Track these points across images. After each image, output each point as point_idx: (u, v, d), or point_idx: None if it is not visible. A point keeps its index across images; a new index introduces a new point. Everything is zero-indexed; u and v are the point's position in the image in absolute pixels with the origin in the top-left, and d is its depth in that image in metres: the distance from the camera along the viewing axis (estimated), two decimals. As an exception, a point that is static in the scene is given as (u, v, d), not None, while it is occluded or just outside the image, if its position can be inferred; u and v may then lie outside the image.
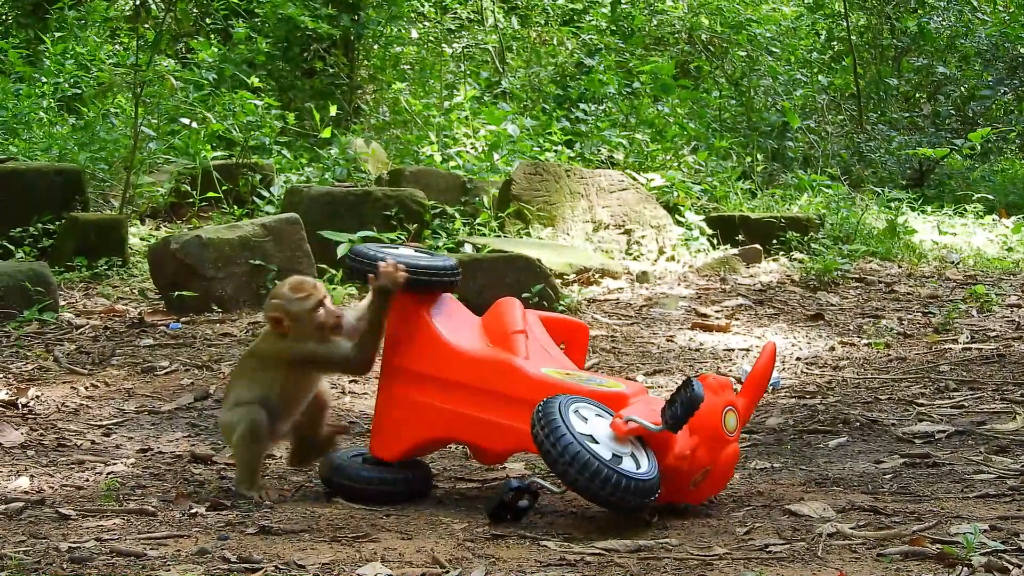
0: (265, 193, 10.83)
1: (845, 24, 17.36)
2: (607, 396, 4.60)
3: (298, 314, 4.80)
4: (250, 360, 4.98)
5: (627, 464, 4.33)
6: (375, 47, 15.91)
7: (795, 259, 10.52)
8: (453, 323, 4.89)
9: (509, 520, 4.48)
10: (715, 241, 10.96)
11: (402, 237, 9.30)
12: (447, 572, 3.81)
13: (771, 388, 5.03)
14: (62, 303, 8.10)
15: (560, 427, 4.30)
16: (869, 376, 7.22)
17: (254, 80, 13.26)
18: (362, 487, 4.83)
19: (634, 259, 10.45)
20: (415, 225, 9.67)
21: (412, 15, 16.95)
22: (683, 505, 4.66)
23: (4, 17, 17.05)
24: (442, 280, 4.89)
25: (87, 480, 5.06)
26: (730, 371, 7.29)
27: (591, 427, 4.39)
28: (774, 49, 17.35)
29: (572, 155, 12.75)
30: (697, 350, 7.93)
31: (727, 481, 4.79)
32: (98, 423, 6.00)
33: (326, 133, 12.70)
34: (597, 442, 4.34)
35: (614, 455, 4.33)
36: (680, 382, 4.40)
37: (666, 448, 4.48)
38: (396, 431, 4.86)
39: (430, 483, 5.00)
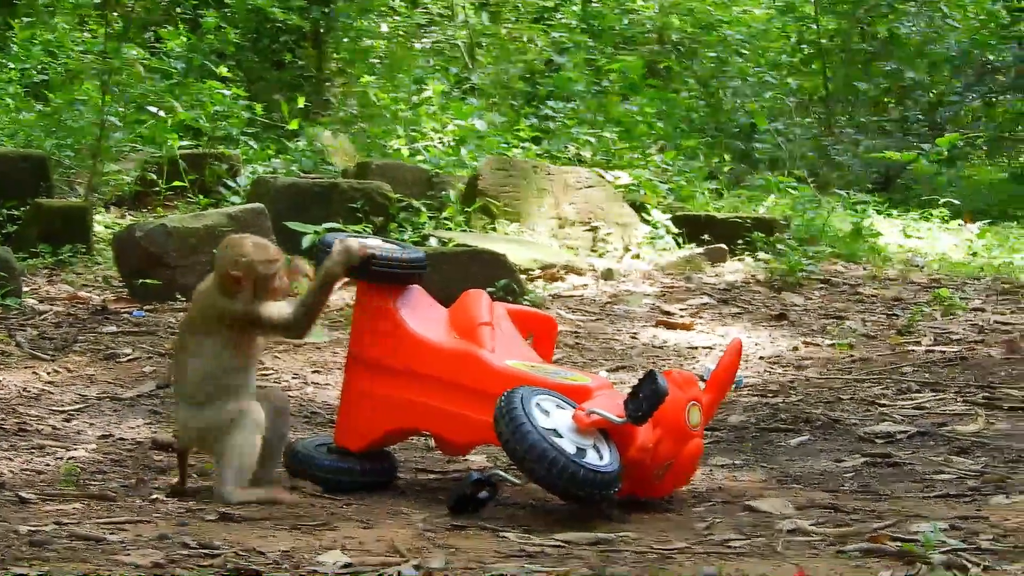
0: (231, 183, 10.78)
1: (816, 28, 17.41)
2: (572, 389, 4.60)
3: (264, 277, 4.62)
4: (195, 327, 4.69)
5: (590, 457, 4.34)
6: (345, 40, 15.88)
7: (760, 259, 10.53)
8: (420, 314, 4.88)
9: (470, 512, 4.48)
10: (681, 240, 10.95)
11: (367, 230, 9.28)
12: (406, 561, 3.80)
13: (734, 387, 5.03)
14: (25, 289, 8.05)
15: (523, 422, 4.31)
16: (832, 376, 7.25)
17: (223, 69, 13.21)
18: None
19: (599, 256, 10.45)
20: (381, 218, 9.65)
21: (382, 9, 16.92)
22: (643, 498, 4.67)
23: (-29, 3, 16.93)
24: (409, 272, 4.88)
25: (47, 465, 5.04)
26: (693, 368, 7.30)
27: (554, 421, 4.39)
28: (744, 51, 17.38)
29: (540, 152, 12.74)
30: (660, 347, 7.94)
31: (690, 476, 4.80)
32: (59, 408, 5.97)
33: (294, 125, 12.67)
34: (561, 436, 4.35)
35: (578, 448, 4.34)
36: (642, 375, 4.41)
37: (628, 441, 4.48)
38: (361, 421, 4.86)
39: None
